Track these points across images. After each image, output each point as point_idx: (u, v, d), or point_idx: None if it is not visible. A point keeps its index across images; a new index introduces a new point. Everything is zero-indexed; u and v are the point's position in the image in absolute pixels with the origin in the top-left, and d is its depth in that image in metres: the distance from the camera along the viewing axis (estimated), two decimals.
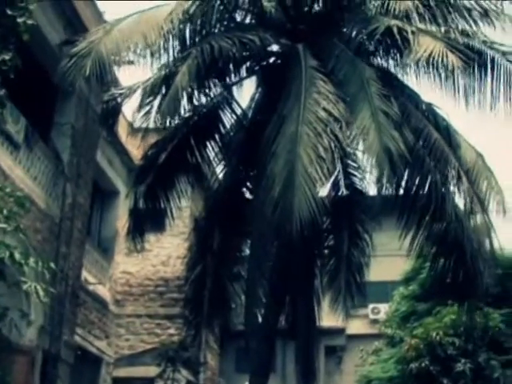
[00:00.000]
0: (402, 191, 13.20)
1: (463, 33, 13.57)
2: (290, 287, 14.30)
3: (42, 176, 14.36)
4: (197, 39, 13.33)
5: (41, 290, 9.54)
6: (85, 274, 17.59)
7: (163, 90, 12.91)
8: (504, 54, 13.47)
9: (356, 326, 30.63)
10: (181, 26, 13.08)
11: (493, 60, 13.48)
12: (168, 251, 24.36)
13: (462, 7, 13.76)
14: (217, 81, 14.50)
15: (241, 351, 28.59)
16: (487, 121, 13.80)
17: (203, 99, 14.58)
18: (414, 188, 13.14)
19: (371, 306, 31.26)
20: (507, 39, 13.59)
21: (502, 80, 13.51)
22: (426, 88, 13.82)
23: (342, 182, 15.45)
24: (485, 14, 13.62)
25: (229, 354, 29.97)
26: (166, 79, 12.76)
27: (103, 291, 20.24)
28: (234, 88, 14.87)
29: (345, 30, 13.90)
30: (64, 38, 14.44)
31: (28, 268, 9.47)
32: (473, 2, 13.71)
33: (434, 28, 13.39)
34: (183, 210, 20.18)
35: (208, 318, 16.04)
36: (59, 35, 14.54)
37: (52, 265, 10.16)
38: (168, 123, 13.67)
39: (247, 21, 14.19)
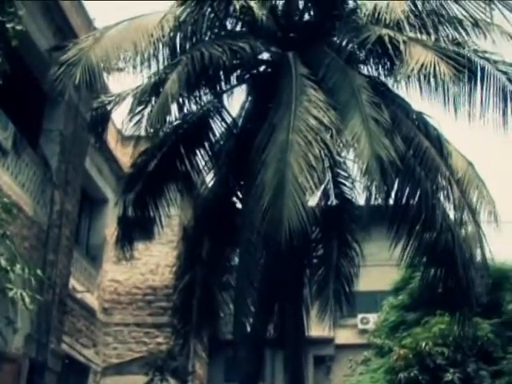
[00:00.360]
0: (392, 200, 13.16)
1: (453, 42, 13.57)
2: (279, 296, 14.23)
3: (29, 183, 14.27)
4: (187, 46, 13.33)
5: (27, 297, 9.46)
6: (73, 282, 17.49)
7: (153, 98, 12.85)
8: (495, 62, 13.46)
9: (345, 336, 30.58)
10: (171, 34, 13.07)
11: (483, 69, 13.46)
12: (157, 260, 24.25)
13: (453, 17, 13.76)
14: (207, 89, 14.46)
15: (229, 360, 28.45)
16: (478, 130, 13.78)
17: (193, 107, 14.55)
18: (405, 197, 13.10)
19: (360, 315, 31.19)
20: (497, 49, 13.59)
21: (491, 89, 13.48)
22: (416, 97, 13.82)
23: (331, 192, 15.41)
24: (475, 24, 13.61)
25: (217, 363, 29.82)
26: (156, 86, 12.70)
27: (91, 299, 20.15)
28: (224, 96, 14.84)
29: (335, 38, 13.88)
30: (53, 44, 14.38)
31: (14, 275, 9.39)
32: (463, 12, 13.69)
33: (424, 37, 13.38)
34: (172, 218, 20.09)
35: (196, 327, 15.95)
36: (48, 41, 14.48)
37: (39, 272, 10.09)
38: (157, 131, 13.58)
39: (238, 29, 14.17)
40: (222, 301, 15.68)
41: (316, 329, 15.68)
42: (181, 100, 13.67)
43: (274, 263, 13.26)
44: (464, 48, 13.61)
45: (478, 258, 13.45)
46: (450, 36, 13.75)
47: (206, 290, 15.29)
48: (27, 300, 9.47)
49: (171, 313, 18.58)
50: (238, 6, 13.11)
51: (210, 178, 15.57)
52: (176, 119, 14.27)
